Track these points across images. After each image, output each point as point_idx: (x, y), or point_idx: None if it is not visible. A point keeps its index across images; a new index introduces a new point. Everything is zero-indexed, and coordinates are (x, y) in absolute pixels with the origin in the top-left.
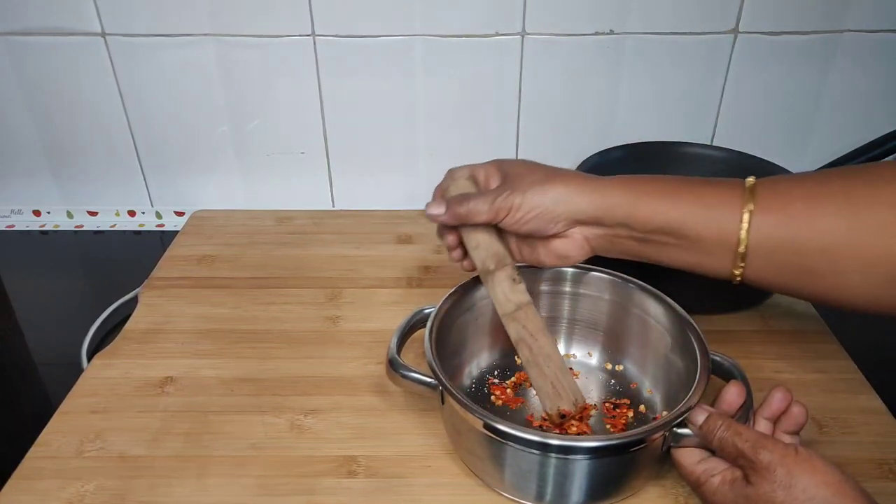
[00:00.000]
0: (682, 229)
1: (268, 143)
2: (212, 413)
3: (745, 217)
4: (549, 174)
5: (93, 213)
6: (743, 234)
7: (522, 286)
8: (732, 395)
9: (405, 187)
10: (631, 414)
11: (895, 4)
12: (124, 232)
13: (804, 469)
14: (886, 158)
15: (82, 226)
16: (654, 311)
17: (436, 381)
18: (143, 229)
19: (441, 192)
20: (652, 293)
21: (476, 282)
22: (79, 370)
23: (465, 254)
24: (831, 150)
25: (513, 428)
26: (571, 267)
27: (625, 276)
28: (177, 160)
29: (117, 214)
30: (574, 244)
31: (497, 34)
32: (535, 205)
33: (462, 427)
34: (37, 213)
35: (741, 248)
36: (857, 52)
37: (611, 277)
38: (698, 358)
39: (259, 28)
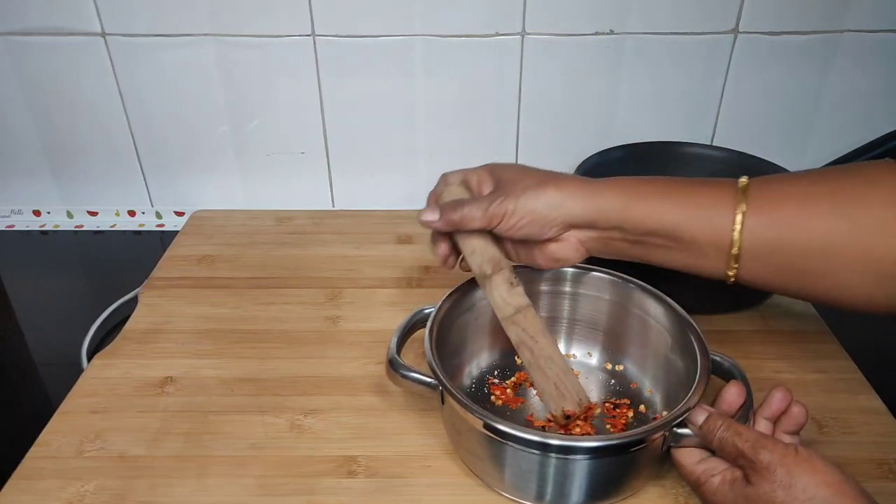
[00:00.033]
0: (676, 232)
1: (268, 143)
2: (212, 413)
3: (738, 219)
4: (542, 179)
5: (93, 213)
6: (736, 235)
7: (520, 289)
8: (732, 395)
9: (405, 187)
10: (631, 414)
11: (895, 4)
12: (124, 232)
13: (804, 469)
14: (878, 159)
15: (82, 226)
16: (654, 311)
17: (436, 381)
18: (143, 229)
19: (434, 199)
20: (652, 293)
21: (476, 282)
22: (79, 370)
23: (458, 259)
24: (831, 150)
25: (513, 428)
26: (571, 267)
27: (625, 276)
28: (177, 160)
29: (117, 214)
30: (569, 247)
31: (497, 34)
32: (528, 210)
33: (462, 427)
34: (37, 213)
35: (734, 250)
36: (857, 52)
37: (611, 277)
38: (698, 358)
39: (259, 28)
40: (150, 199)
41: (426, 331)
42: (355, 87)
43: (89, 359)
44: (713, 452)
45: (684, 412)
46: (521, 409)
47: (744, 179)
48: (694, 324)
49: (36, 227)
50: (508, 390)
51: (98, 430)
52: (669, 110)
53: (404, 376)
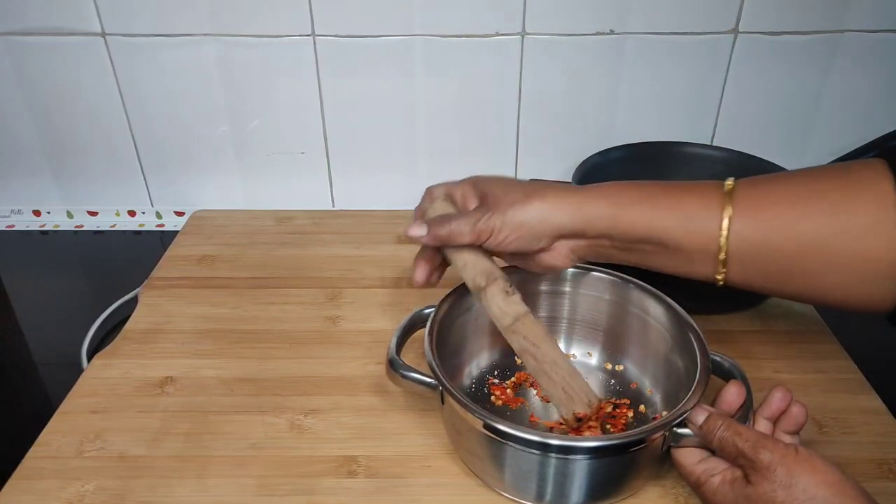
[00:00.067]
0: (663, 239)
1: (268, 143)
2: (212, 413)
3: (725, 224)
4: (527, 192)
5: (93, 213)
6: (723, 241)
7: (517, 297)
8: (732, 394)
9: (405, 187)
10: (631, 414)
11: (895, 4)
12: (124, 232)
13: (804, 469)
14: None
15: (82, 226)
16: (653, 311)
17: (436, 381)
18: (143, 229)
19: (420, 213)
20: (652, 293)
21: None
22: (79, 370)
23: (441, 274)
24: (831, 150)
25: (513, 428)
26: (571, 267)
27: (625, 276)
28: (177, 160)
29: (117, 214)
30: (559, 255)
31: (497, 34)
32: (516, 225)
33: (462, 427)
34: (37, 213)
35: (721, 256)
36: (858, 52)
37: (611, 277)
38: (698, 358)
39: (259, 28)
40: (150, 199)
41: (426, 331)
42: (355, 87)
43: (89, 359)
44: (713, 452)
45: (684, 412)
46: (521, 409)
47: (730, 182)
48: (694, 324)
49: (36, 227)
50: (508, 390)
51: (98, 430)
52: (669, 110)
53: (404, 376)
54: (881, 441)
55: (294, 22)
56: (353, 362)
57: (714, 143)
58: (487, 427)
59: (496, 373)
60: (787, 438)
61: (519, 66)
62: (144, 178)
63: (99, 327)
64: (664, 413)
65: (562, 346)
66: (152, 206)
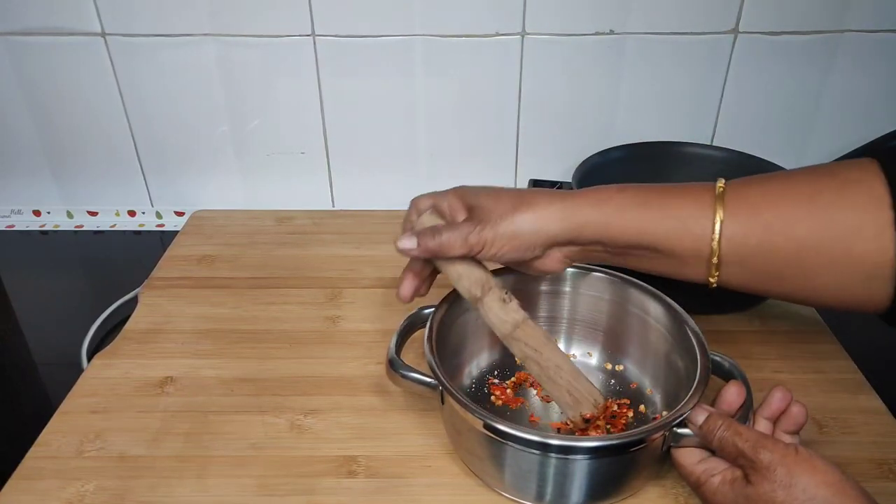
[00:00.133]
0: (655, 244)
1: (268, 143)
2: (212, 413)
3: (716, 228)
4: (516, 203)
5: (93, 213)
6: (714, 245)
7: (514, 303)
8: (732, 394)
9: (405, 187)
10: (631, 414)
11: (895, 4)
12: (124, 232)
13: (804, 469)
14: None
15: (82, 226)
16: (653, 311)
17: (436, 381)
18: (143, 229)
19: (409, 226)
20: (652, 293)
21: None
22: (79, 370)
23: (429, 286)
24: (831, 150)
25: (513, 428)
26: (571, 267)
27: (624, 276)
28: (177, 160)
29: (117, 214)
30: (553, 261)
31: (497, 34)
32: (508, 238)
33: (462, 427)
34: (37, 213)
35: (714, 259)
36: (858, 52)
37: (610, 277)
38: (698, 358)
39: (259, 28)
40: (150, 199)
41: (426, 331)
42: (355, 87)
43: (89, 359)
44: (713, 452)
45: (684, 412)
46: (521, 409)
47: (721, 184)
48: (694, 324)
49: (36, 227)
50: (508, 390)
51: (98, 430)
52: (669, 110)
53: (404, 376)
54: (881, 441)
55: (294, 22)
56: (353, 362)
57: (714, 143)
58: (487, 427)
59: (496, 373)
60: (787, 438)
61: (519, 66)
62: (144, 178)
63: (99, 327)
64: (664, 413)
65: (562, 346)
66: (152, 206)
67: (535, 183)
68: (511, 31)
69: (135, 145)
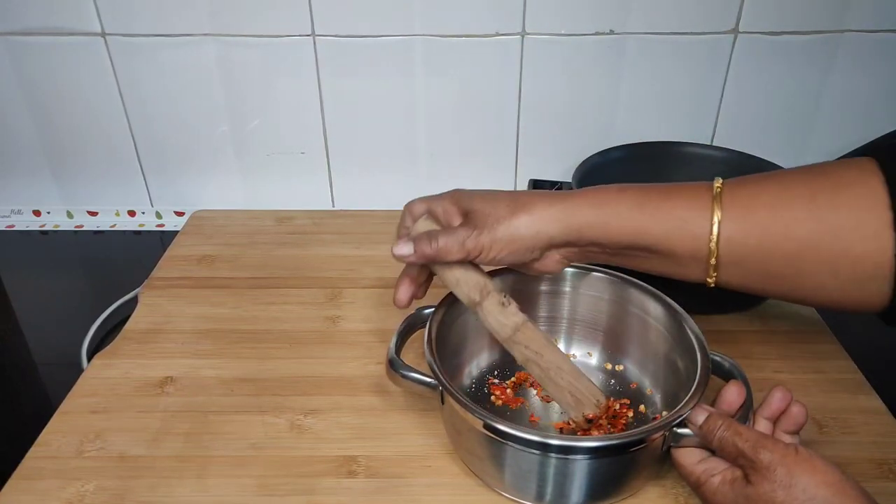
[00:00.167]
0: (653, 245)
1: (268, 143)
2: (212, 413)
3: (714, 229)
4: (512, 206)
5: (93, 213)
6: (712, 246)
7: (513, 307)
8: (732, 394)
9: (405, 187)
10: (631, 414)
11: (895, 4)
12: (124, 232)
13: (804, 469)
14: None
15: (82, 226)
16: (653, 311)
17: (436, 381)
18: (143, 229)
19: (404, 232)
20: (652, 293)
21: None
22: (79, 370)
23: (426, 290)
24: (831, 150)
25: (513, 428)
26: (571, 267)
27: (624, 275)
28: (177, 160)
29: (117, 214)
30: (551, 262)
31: (497, 34)
32: (506, 242)
33: (462, 427)
34: (37, 213)
35: (712, 260)
36: (858, 52)
37: (610, 277)
38: (698, 358)
39: (259, 28)
40: (150, 199)
41: (426, 331)
42: (355, 87)
43: (89, 359)
44: (713, 452)
45: (684, 412)
46: (521, 409)
47: (718, 184)
48: (694, 324)
49: (36, 227)
50: (508, 390)
51: (98, 430)
52: (669, 110)
53: (404, 376)
54: (881, 441)
55: (294, 22)
56: (353, 362)
57: (714, 143)
58: (487, 427)
59: (496, 373)
60: (787, 438)
61: (519, 66)
62: (144, 178)
63: (99, 327)
64: (664, 413)
65: (562, 346)
66: (152, 206)
67: (536, 183)
68: (511, 31)
69: (135, 145)
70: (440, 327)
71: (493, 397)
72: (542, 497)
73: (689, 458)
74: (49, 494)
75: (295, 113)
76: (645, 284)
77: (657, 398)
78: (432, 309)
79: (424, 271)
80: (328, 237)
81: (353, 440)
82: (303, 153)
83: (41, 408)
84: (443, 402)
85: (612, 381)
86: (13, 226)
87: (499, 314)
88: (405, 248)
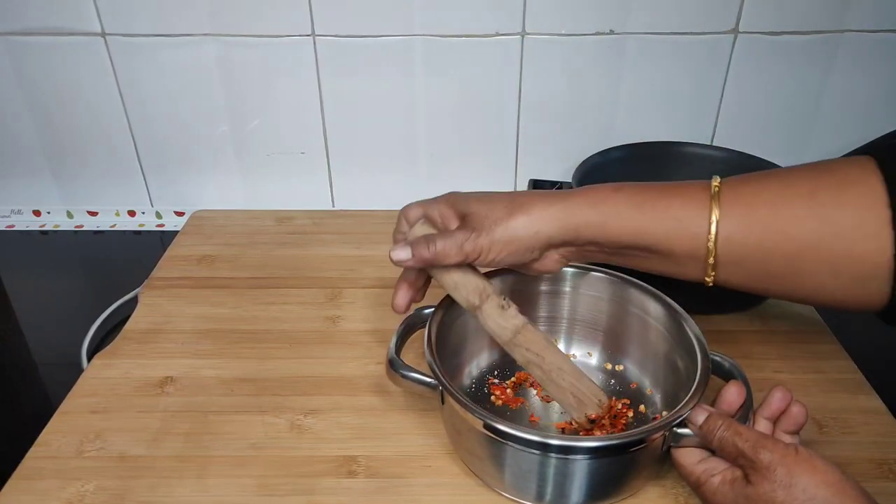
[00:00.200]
0: (651, 245)
1: (268, 143)
2: (212, 413)
3: (712, 229)
4: (510, 207)
5: (93, 213)
6: (711, 245)
7: (513, 309)
8: (732, 394)
9: (405, 187)
10: (631, 414)
11: (895, 4)
12: (124, 232)
13: (804, 469)
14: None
15: (82, 226)
16: (653, 311)
17: (436, 381)
18: (143, 229)
19: (401, 237)
20: (651, 293)
21: None
22: (79, 370)
23: (424, 294)
24: (831, 150)
25: (513, 428)
26: (571, 267)
27: (624, 275)
28: (177, 160)
29: (117, 214)
30: (550, 262)
31: (497, 34)
32: (504, 243)
33: (462, 427)
34: (37, 213)
35: (710, 259)
36: (858, 52)
37: (610, 277)
38: (698, 358)
39: (259, 28)
40: (150, 199)
41: (426, 331)
42: (355, 87)
43: (89, 359)
44: (713, 452)
45: (684, 412)
46: (521, 409)
47: (716, 182)
48: (694, 324)
49: (36, 227)
50: (508, 390)
51: (98, 430)
52: (669, 110)
53: (404, 376)
54: (881, 441)
55: (294, 22)
56: (353, 362)
57: (714, 143)
58: (487, 427)
59: (496, 373)
60: (787, 438)
61: (519, 66)
62: (144, 178)
63: (99, 327)
64: (664, 413)
65: (561, 346)
66: (152, 206)
67: (536, 183)
68: (511, 31)
69: (135, 145)
70: (440, 327)
71: (493, 397)
72: (542, 497)
73: (689, 458)
74: (49, 494)
75: (295, 113)
76: (645, 284)
77: (657, 398)
78: (432, 309)
79: (422, 276)
80: (328, 237)
81: (353, 440)
82: (303, 153)
83: (41, 408)
84: (443, 402)
85: (612, 381)
86: (13, 226)
87: (499, 317)
88: (403, 253)
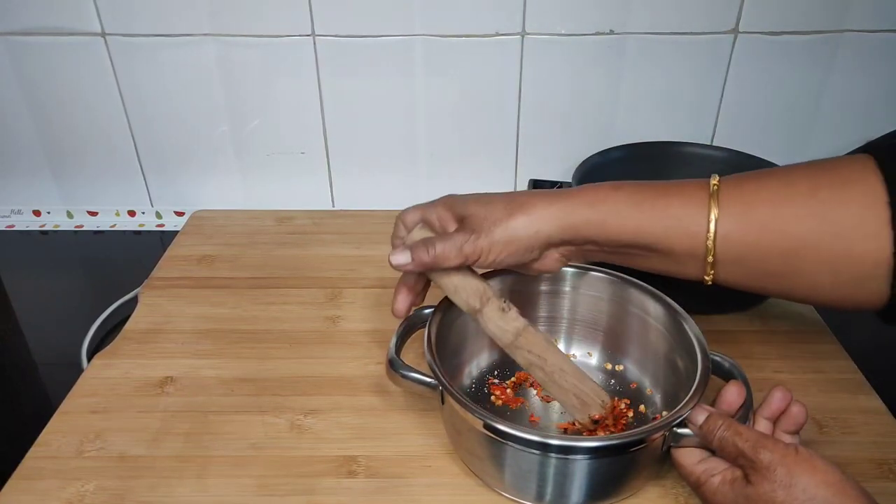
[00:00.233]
0: (650, 244)
1: (268, 143)
2: (212, 413)
3: (711, 227)
4: (509, 207)
5: (93, 213)
6: (710, 244)
7: (513, 312)
8: (732, 394)
9: (405, 187)
10: (631, 414)
11: (895, 4)
12: (124, 232)
13: (804, 469)
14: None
15: (82, 226)
16: (653, 311)
17: (436, 381)
18: (143, 229)
19: (399, 242)
20: (651, 293)
21: None
22: (79, 370)
23: (425, 293)
24: (831, 150)
25: (513, 428)
26: (571, 267)
27: (624, 275)
28: (177, 160)
29: (117, 214)
30: (550, 261)
31: (497, 34)
32: (504, 244)
33: (462, 427)
34: (37, 213)
35: (710, 258)
36: (858, 52)
37: (610, 277)
38: (698, 358)
39: (259, 28)
40: (150, 199)
41: (426, 331)
42: (355, 87)
43: (89, 359)
44: (713, 452)
45: (684, 412)
46: (521, 409)
47: (715, 181)
48: (694, 324)
49: (36, 227)
50: (508, 390)
51: (98, 430)
52: (669, 110)
53: (404, 376)
54: (881, 441)
55: (294, 22)
56: (353, 362)
57: (714, 143)
58: (487, 427)
59: (496, 373)
60: (787, 438)
61: (519, 66)
62: (144, 178)
63: (99, 327)
64: (664, 413)
65: (562, 346)
66: (152, 206)
67: (536, 183)
68: (511, 31)
69: (135, 145)
70: (440, 327)
71: (493, 397)
72: (542, 497)
73: (689, 458)
74: (49, 494)
75: (295, 113)
76: (645, 284)
77: (657, 398)
78: (432, 309)
79: (422, 280)
80: (328, 237)
81: (353, 440)
82: (303, 153)
83: (41, 408)
84: (443, 402)
85: (612, 381)
86: (13, 226)
87: (499, 320)
88: (402, 257)
